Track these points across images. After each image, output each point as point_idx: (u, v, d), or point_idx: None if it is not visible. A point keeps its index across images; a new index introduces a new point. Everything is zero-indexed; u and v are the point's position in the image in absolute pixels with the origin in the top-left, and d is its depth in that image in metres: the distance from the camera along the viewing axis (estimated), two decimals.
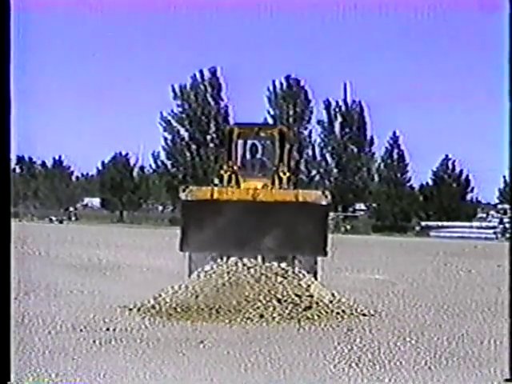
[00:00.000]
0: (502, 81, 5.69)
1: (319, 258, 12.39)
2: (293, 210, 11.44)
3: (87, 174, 78.45)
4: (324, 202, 11.39)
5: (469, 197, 56.35)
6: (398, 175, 55.93)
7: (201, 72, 55.96)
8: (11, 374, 5.12)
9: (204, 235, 11.18)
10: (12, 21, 4.90)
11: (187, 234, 11.28)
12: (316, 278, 11.53)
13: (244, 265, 10.82)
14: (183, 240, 11.25)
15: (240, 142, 13.54)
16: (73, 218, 61.00)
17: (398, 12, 73.33)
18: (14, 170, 64.25)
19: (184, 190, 11.44)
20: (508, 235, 42.24)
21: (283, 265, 11.00)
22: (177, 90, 55.62)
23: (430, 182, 55.95)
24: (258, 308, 9.90)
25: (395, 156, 55.77)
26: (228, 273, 10.61)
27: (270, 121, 54.89)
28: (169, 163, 56.60)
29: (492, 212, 52.39)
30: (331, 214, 53.24)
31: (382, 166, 56.27)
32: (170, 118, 55.80)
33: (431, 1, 72.77)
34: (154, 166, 58.87)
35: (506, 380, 6.50)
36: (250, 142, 13.65)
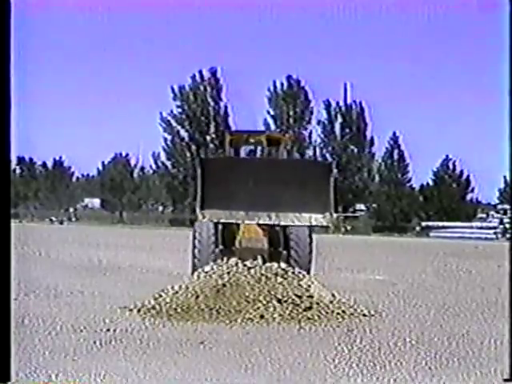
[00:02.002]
0: (502, 81, 5.70)
1: (314, 259, 13.08)
2: (301, 166, 13.13)
3: (87, 174, 78.55)
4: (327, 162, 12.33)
5: (469, 197, 56.34)
6: (399, 175, 55.92)
7: (200, 72, 55.99)
8: (11, 374, 5.12)
9: (224, 187, 11.68)
10: (12, 21, 4.90)
11: (207, 189, 11.59)
12: (309, 273, 11.82)
13: (244, 265, 10.84)
14: (204, 195, 11.54)
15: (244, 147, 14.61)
16: (73, 219, 61.03)
17: (398, 12, 73.39)
18: (15, 170, 64.27)
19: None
20: (508, 235, 42.22)
21: (283, 265, 11.06)
22: (176, 90, 55.65)
23: (431, 183, 55.94)
24: (259, 308, 9.91)
25: (395, 156, 55.77)
26: (228, 273, 10.62)
27: (270, 121, 55.05)
28: (169, 164, 56.63)
29: (492, 212, 52.34)
30: None
31: (382, 166, 56.27)
32: (169, 118, 55.83)
33: (431, 1, 72.80)
34: (154, 166, 58.97)
35: (505, 380, 6.50)
36: (248, 148, 14.15)
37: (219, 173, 11.92)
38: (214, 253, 12.49)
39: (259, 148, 14.91)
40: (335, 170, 11.42)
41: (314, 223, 11.76)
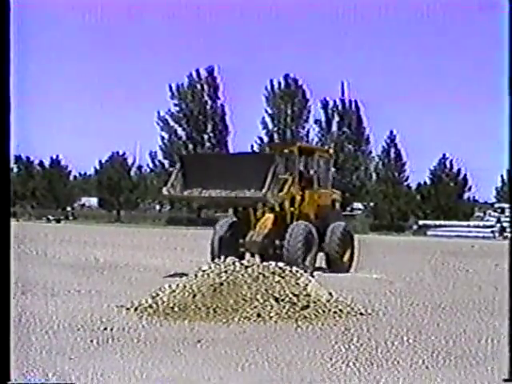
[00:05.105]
0: (501, 80, 5.69)
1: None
2: (250, 158, 17.61)
3: (85, 173, 78.57)
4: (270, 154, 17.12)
5: (466, 196, 56.36)
6: (396, 174, 55.89)
7: (197, 71, 55.98)
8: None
9: (193, 174, 15.46)
10: (12, 21, 4.89)
11: (185, 175, 15.51)
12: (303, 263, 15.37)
13: (242, 264, 10.84)
14: (185, 179, 15.52)
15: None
16: (70, 218, 60.94)
17: (397, 11, 73.45)
18: (12, 169, 64.15)
19: None
20: (506, 234, 42.21)
21: (281, 264, 11.08)
22: (174, 89, 55.62)
23: (428, 181, 55.95)
24: (256, 307, 9.90)
25: (392, 155, 55.74)
26: (225, 272, 10.62)
27: (268, 120, 55.03)
28: (166, 162, 56.55)
29: (489, 211, 52.24)
30: None
31: (379, 165, 56.25)
32: (167, 117, 55.82)
33: (431, 0, 72.89)
34: (151, 165, 58.92)
35: (505, 380, 6.49)
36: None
37: (192, 165, 15.80)
38: (227, 246, 15.72)
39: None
40: (278, 161, 16.04)
41: (249, 196, 15.07)
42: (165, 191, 15.76)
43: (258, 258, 12.81)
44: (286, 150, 17.95)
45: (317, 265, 16.83)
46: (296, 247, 15.63)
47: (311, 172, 17.75)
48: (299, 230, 15.96)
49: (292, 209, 16.67)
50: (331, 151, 19.85)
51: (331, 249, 17.12)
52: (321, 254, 17.25)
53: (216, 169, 15.45)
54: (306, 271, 12.02)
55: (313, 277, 13.54)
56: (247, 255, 15.84)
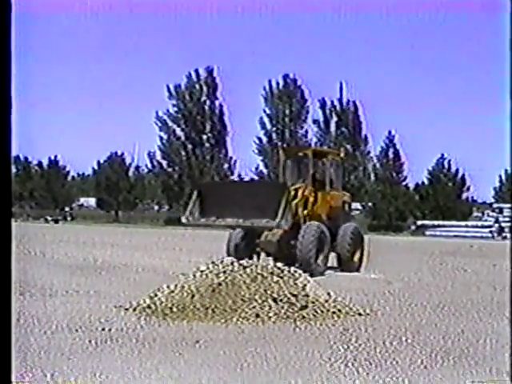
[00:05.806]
0: (500, 80, 5.69)
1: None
2: (264, 186, 19.60)
3: (83, 173, 78.66)
4: (283, 183, 17.21)
5: (464, 196, 56.29)
6: (394, 174, 55.87)
7: (196, 71, 55.91)
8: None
9: (209, 202, 16.16)
10: (12, 21, 4.88)
11: (202, 203, 16.24)
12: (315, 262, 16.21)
13: (240, 264, 10.84)
14: (202, 207, 16.23)
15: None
16: (68, 218, 60.93)
17: (396, 12, 73.50)
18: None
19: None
20: (504, 234, 42.21)
21: (279, 264, 11.10)
22: (172, 89, 55.56)
23: (426, 181, 55.95)
24: (254, 307, 9.90)
25: (391, 155, 55.73)
26: (224, 272, 10.62)
27: (266, 120, 55.02)
28: (164, 163, 56.50)
29: (487, 211, 52.18)
30: None
31: (377, 165, 56.23)
32: (165, 117, 55.74)
33: (431, 1, 72.92)
34: (149, 165, 58.81)
35: None
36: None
37: (209, 193, 16.53)
38: (243, 245, 16.62)
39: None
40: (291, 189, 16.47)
41: (264, 225, 15.66)
42: (183, 219, 16.58)
43: (255, 259, 12.99)
44: (300, 154, 18.69)
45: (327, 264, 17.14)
46: (308, 247, 16.12)
47: (323, 174, 18.35)
48: (312, 230, 16.47)
49: (305, 210, 17.15)
50: (342, 154, 20.40)
51: (342, 249, 17.61)
52: (332, 254, 17.66)
53: (231, 197, 16.02)
54: (312, 271, 12.47)
55: (324, 275, 15.88)
56: (262, 255, 16.67)
